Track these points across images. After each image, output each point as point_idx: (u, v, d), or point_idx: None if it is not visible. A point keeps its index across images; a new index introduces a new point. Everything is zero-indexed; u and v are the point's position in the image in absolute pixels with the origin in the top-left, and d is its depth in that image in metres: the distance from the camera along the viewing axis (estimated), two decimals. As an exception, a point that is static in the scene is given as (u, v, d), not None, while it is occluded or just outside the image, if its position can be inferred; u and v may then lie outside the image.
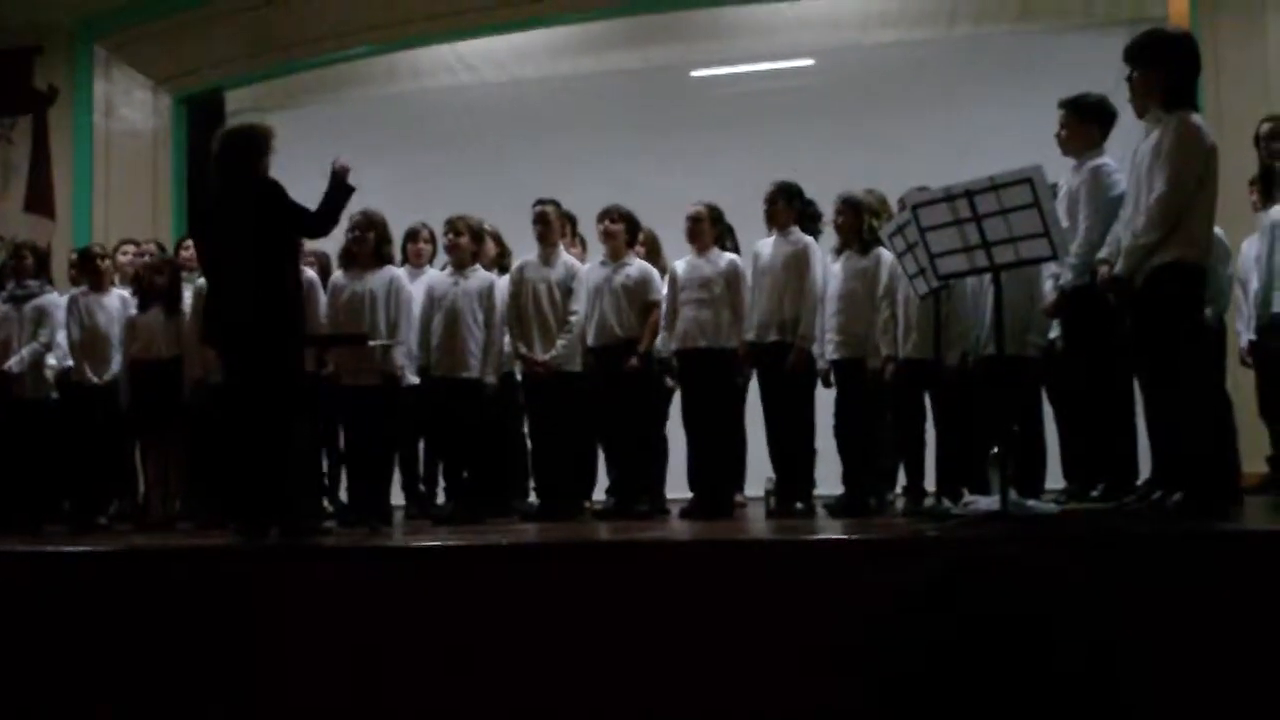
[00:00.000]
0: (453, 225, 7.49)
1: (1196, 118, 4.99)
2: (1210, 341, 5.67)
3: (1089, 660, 1.44)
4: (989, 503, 5.40)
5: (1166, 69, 5.07)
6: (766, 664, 4.39)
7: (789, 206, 7.11)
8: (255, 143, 6.09)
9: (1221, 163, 5.12)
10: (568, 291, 7.36)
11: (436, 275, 7.70)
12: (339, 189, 6.09)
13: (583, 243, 8.29)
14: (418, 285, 7.62)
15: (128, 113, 11.63)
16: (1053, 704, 1.42)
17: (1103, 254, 5.31)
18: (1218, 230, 5.54)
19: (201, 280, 7.66)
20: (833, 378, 7.06)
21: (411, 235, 8.08)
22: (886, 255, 6.68)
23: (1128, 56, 5.23)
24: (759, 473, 7.40)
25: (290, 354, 6.07)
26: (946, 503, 6.18)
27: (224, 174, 6.11)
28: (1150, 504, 5.15)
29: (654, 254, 7.78)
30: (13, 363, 7.85)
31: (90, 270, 8.06)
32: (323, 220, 6.15)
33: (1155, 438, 5.31)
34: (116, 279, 8.29)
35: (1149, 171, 4.99)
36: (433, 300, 7.47)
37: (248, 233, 5.92)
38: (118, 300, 8.03)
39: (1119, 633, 1.49)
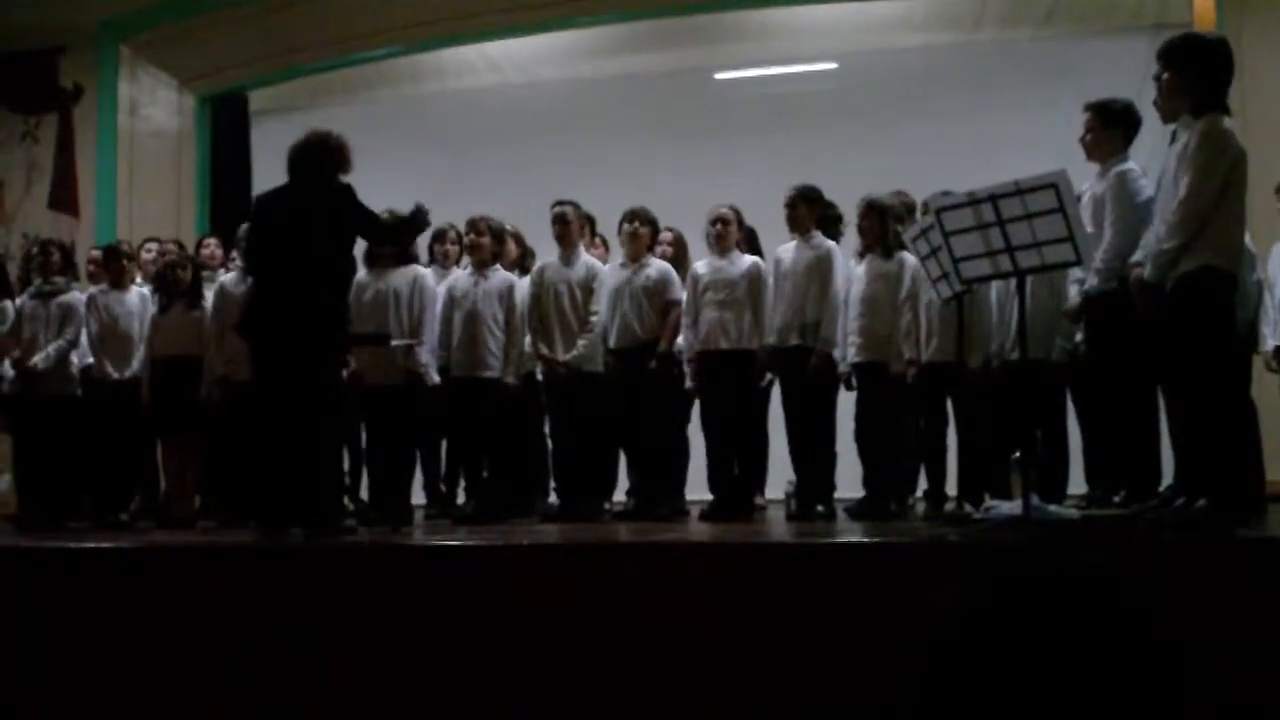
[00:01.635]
0: (475, 225, 7.51)
1: (1226, 122, 4.94)
2: (1237, 348, 5.64)
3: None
4: (1011, 507, 5.38)
5: (1198, 73, 5.03)
6: (785, 666, 4.39)
7: (810, 210, 7.09)
8: (336, 151, 6.12)
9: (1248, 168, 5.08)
10: (589, 292, 7.36)
11: (458, 275, 7.71)
12: (415, 221, 6.36)
13: (604, 243, 8.28)
14: (441, 286, 7.63)
15: (152, 112, 11.69)
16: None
17: (1137, 257, 5.28)
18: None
19: (224, 278, 7.72)
20: (854, 381, 7.04)
21: (439, 236, 8.10)
22: (910, 259, 6.66)
23: (1161, 57, 5.19)
24: (780, 475, 7.39)
25: (332, 356, 6.11)
26: (968, 507, 6.17)
27: (299, 175, 6.14)
28: (1174, 510, 5.13)
29: (681, 255, 7.76)
30: (38, 359, 7.89)
31: (114, 267, 8.09)
32: (385, 233, 6.46)
33: (1179, 444, 5.28)
34: (139, 277, 8.31)
35: (1176, 176, 4.96)
36: (453, 300, 7.48)
37: (318, 235, 5.96)
38: (137, 298, 8.05)
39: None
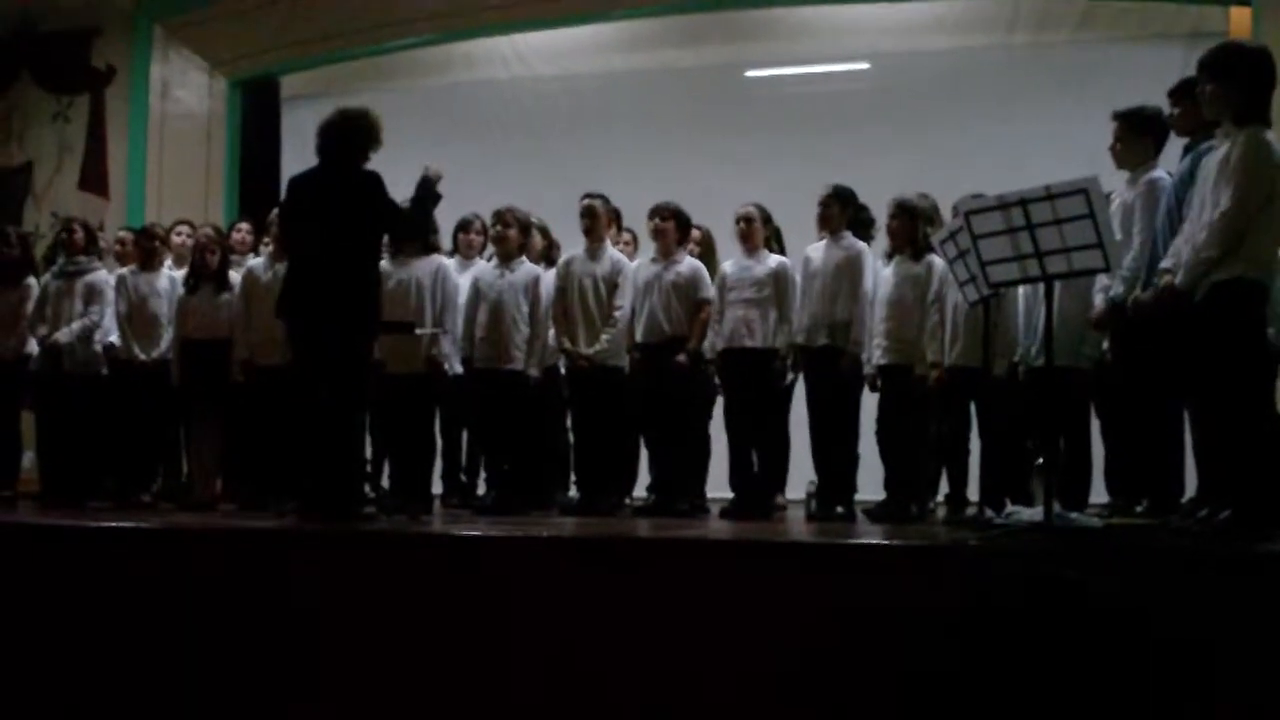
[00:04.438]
0: (501, 217, 7.50)
1: (1268, 134, 4.90)
2: (1267, 361, 5.61)
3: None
4: (1032, 514, 5.36)
5: (1241, 83, 4.97)
6: (803, 664, 4.38)
7: (843, 211, 7.08)
8: (364, 130, 6.17)
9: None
10: (613, 286, 7.35)
11: (483, 267, 7.71)
12: (427, 197, 6.30)
13: (634, 238, 8.28)
14: (465, 276, 7.64)
15: (183, 95, 11.73)
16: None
17: (1166, 264, 5.24)
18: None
19: (253, 263, 7.74)
20: (879, 383, 7.02)
21: (463, 226, 8.11)
22: (938, 262, 6.64)
23: (1202, 67, 5.14)
24: (801, 475, 7.38)
25: (363, 343, 6.16)
26: (989, 512, 6.14)
27: (327, 156, 6.19)
28: (1196, 522, 5.10)
29: (709, 253, 7.76)
30: (61, 334, 7.94)
31: (146, 249, 8.12)
32: (412, 225, 6.51)
33: (1203, 455, 5.25)
34: (170, 259, 8.34)
35: (1215, 186, 4.91)
36: (478, 292, 7.48)
37: (343, 219, 6.01)
38: (167, 280, 8.08)
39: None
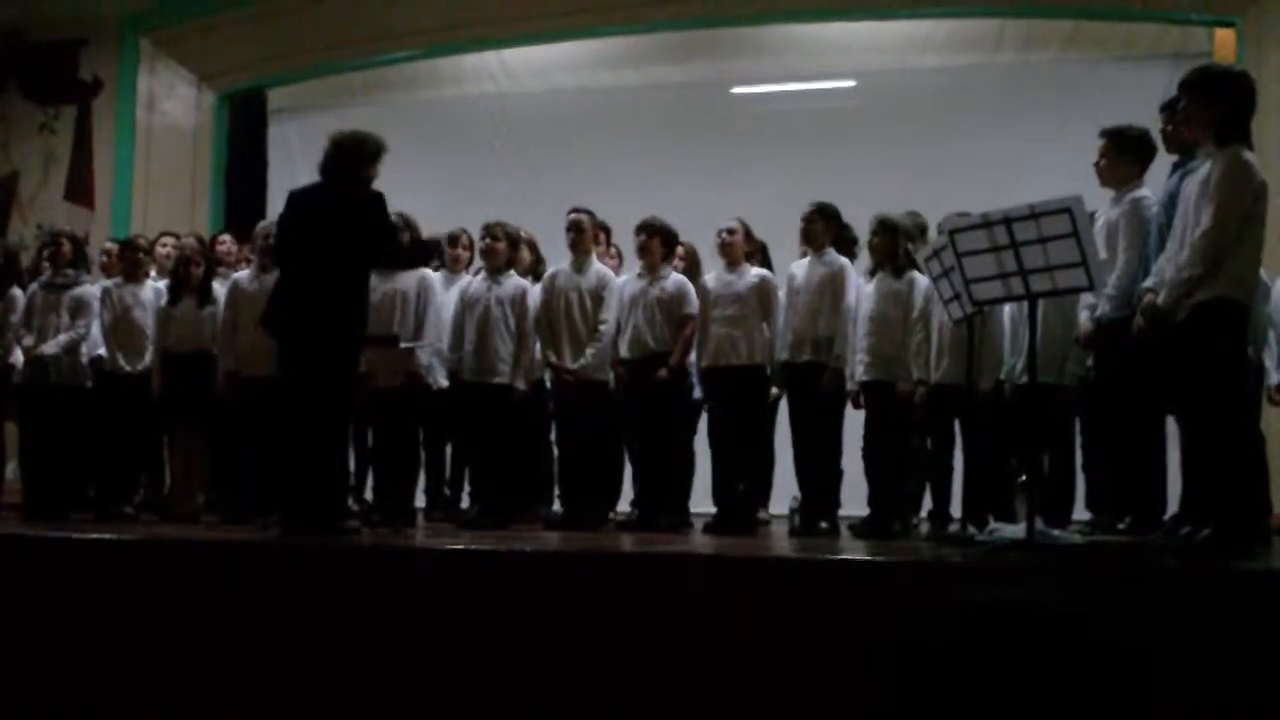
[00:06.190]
0: (490, 230, 7.49)
1: (1248, 155, 4.93)
2: (1248, 379, 5.63)
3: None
4: (1014, 531, 5.37)
5: (1222, 104, 5.02)
6: (784, 679, 4.39)
7: (827, 227, 7.10)
8: (366, 151, 6.21)
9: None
10: (599, 300, 7.35)
11: (470, 280, 7.70)
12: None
13: (619, 254, 8.28)
14: (452, 290, 7.64)
15: (170, 107, 11.72)
16: None
17: (1149, 283, 5.27)
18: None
19: (238, 275, 7.73)
20: (861, 399, 7.03)
21: (451, 240, 8.10)
22: (920, 279, 6.67)
23: (1184, 87, 5.18)
24: (784, 491, 7.38)
25: (349, 357, 6.16)
26: (972, 529, 6.15)
27: (329, 175, 6.23)
28: (1178, 539, 5.12)
29: (693, 268, 7.76)
30: (47, 346, 7.90)
31: (130, 261, 8.10)
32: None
33: (1188, 472, 5.27)
34: (154, 271, 8.32)
35: (1196, 205, 4.94)
36: (465, 305, 7.47)
37: (340, 236, 6.04)
38: (152, 292, 8.06)
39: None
